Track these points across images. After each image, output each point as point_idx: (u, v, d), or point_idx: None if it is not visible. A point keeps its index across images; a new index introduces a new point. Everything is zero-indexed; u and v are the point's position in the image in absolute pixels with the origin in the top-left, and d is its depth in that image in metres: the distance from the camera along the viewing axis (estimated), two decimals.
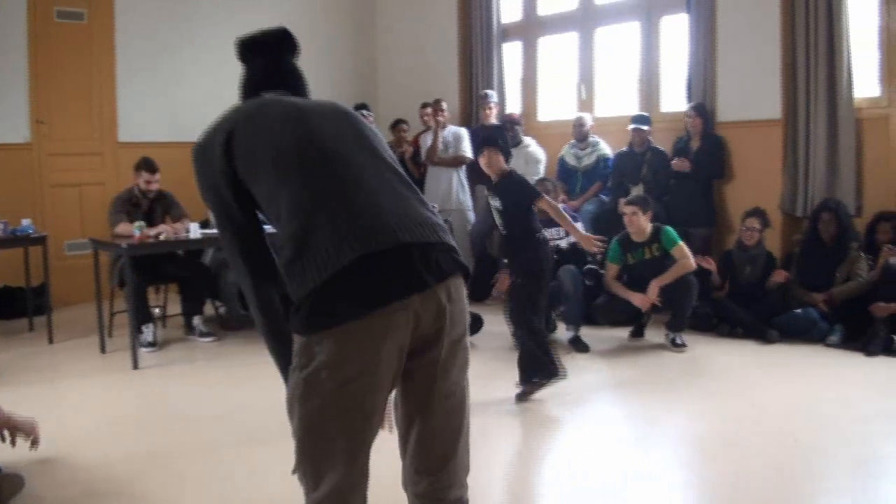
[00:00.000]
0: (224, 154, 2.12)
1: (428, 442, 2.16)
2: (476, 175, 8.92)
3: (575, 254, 6.81)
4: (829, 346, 6.27)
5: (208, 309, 7.48)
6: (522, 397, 5.06)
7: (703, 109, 7.59)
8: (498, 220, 5.45)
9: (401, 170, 2.25)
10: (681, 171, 7.53)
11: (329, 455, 2.02)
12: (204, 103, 9.13)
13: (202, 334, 6.95)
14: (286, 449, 4.43)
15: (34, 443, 3.77)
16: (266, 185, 2.09)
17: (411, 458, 2.18)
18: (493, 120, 9.12)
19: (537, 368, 5.02)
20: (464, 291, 2.16)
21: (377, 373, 1.97)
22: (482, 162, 5.50)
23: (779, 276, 6.70)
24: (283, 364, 2.15)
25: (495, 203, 5.38)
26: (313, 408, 2.00)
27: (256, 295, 2.20)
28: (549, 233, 6.92)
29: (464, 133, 8.91)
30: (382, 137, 2.37)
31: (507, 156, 5.44)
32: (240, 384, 5.70)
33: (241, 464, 4.17)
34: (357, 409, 1.99)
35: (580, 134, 8.33)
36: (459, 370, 2.18)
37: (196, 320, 7.01)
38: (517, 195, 5.28)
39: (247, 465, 4.14)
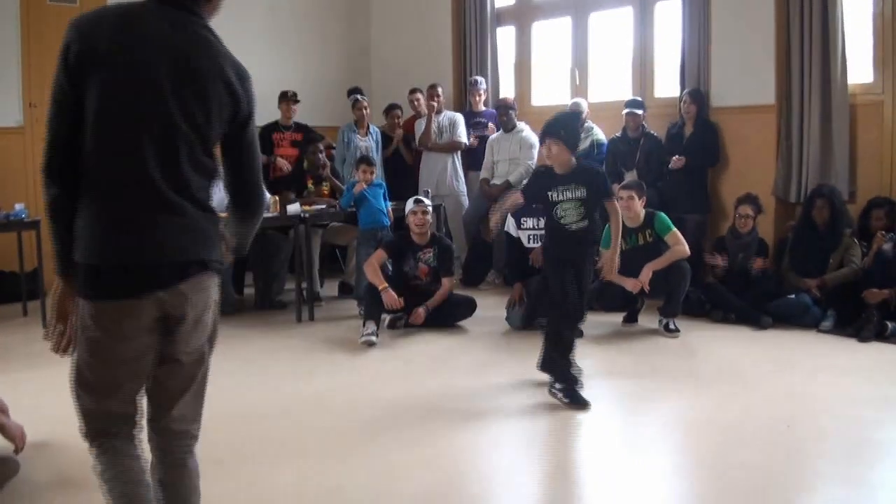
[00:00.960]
0: None
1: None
2: (470, 161, 8.94)
3: None
4: (821, 331, 6.30)
5: None
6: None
7: (697, 95, 7.58)
8: (572, 213, 4.87)
9: None
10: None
11: None
12: None
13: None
14: (284, 430, 4.45)
15: (17, 450, 3.79)
16: None
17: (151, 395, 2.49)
18: (483, 106, 9.12)
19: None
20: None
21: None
22: (544, 153, 5.15)
23: (757, 265, 6.74)
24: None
25: (576, 193, 4.85)
26: None
27: None
28: (529, 222, 6.95)
29: (459, 118, 8.90)
30: None
31: (574, 147, 5.02)
32: (234, 366, 5.71)
33: (237, 443, 4.18)
34: None
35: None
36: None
37: None
38: (599, 185, 4.91)
39: (245, 446, 4.14)
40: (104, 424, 2.39)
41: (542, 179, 5.02)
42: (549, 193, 4.89)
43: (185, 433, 2.52)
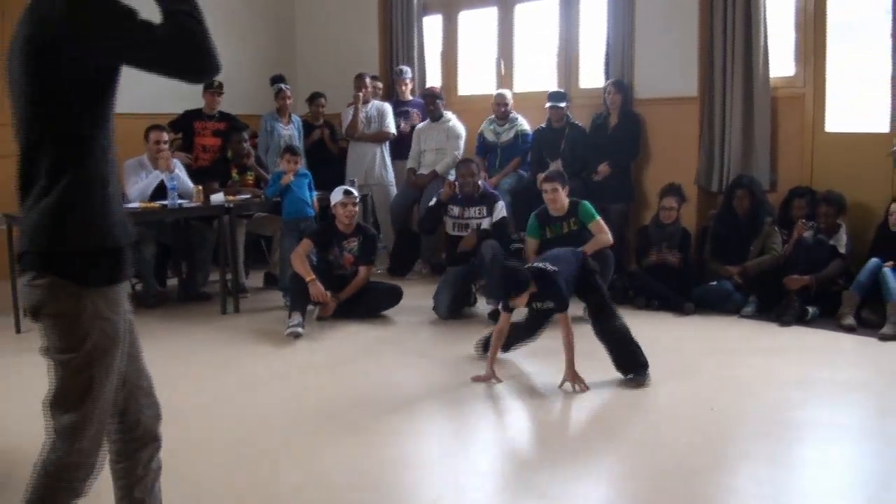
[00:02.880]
0: None
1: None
2: (398, 150, 8.90)
3: (498, 231, 6.84)
4: (743, 317, 6.41)
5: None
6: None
7: (622, 85, 7.65)
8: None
9: None
10: (599, 147, 7.61)
11: None
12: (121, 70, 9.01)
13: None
14: (207, 423, 4.37)
15: None
16: None
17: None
18: (410, 96, 9.08)
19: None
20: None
21: None
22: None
23: (673, 257, 6.84)
24: None
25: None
26: None
27: None
28: (470, 211, 6.95)
29: (387, 108, 8.85)
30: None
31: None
32: (157, 359, 5.58)
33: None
34: None
35: (501, 113, 8.32)
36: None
37: None
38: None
39: (166, 441, 4.05)
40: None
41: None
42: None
43: None
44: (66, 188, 2.14)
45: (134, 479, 2.54)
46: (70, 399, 2.23)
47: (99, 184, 2.20)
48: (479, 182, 7.10)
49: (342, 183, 7.44)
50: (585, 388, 4.69)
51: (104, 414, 2.29)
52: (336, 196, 6.71)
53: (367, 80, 8.81)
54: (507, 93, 8.42)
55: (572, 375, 4.73)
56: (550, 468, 3.75)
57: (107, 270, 2.22)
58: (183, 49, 2.08)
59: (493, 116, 8.40)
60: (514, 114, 8.32)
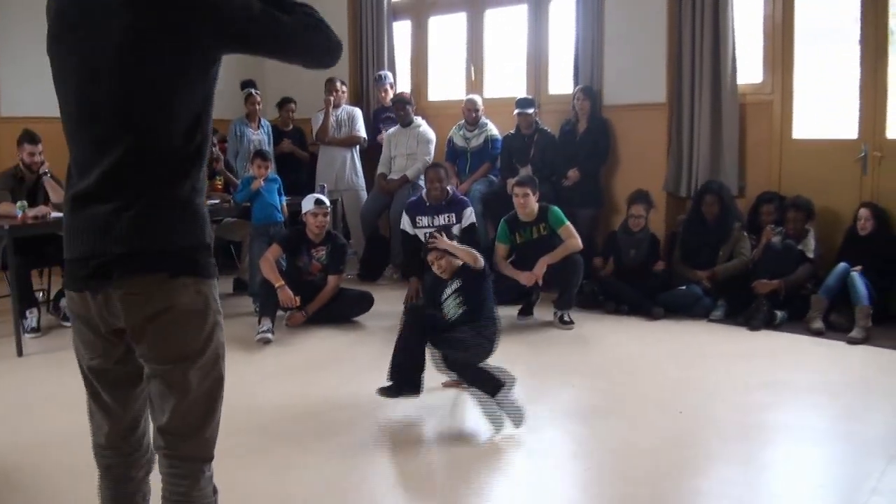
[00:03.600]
0: None
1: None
2: (369, 156, 8.88)
3: (466, 236, 6.82)
4: (712, 321, 6.44)
5: None
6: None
7: (590, 92, 7.67)
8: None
9: None
10: (569, 153, 7.63)
11: None
12: None
13: (66, 318, 6.54)
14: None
15: None
16: None
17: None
18: (390, 102, 9.07)
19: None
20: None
21: None
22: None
23: (658, 266, 6.90)
24: None
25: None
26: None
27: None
28: (439, 219, 6.94)
29: (358, 113, 8.83)
30: None
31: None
32: None
33: None
34: None
35: (472, 118, 8.31)
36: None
37: (63, 302, 6.63)
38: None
39: None
40: None
41: None
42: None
43: None
44: (188, 178, 2.04)
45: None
46: (195, 414, 2.12)
47: (202, 175, 2.12)
48: (448, 188, 7.10)
49: (312, 188, 7.41)
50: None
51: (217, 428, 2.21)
52: (307, 205, 6.66)
53: (338, 84, 8.79)
54: (478, 98, 8.42)
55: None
56: (514, 473, 3.77)
57: (214, 263, 2.14)
58: (312, 34, 2.13)
59: (462, 122, 8.40)
60: (483, 119, 8.32)
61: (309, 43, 2.13)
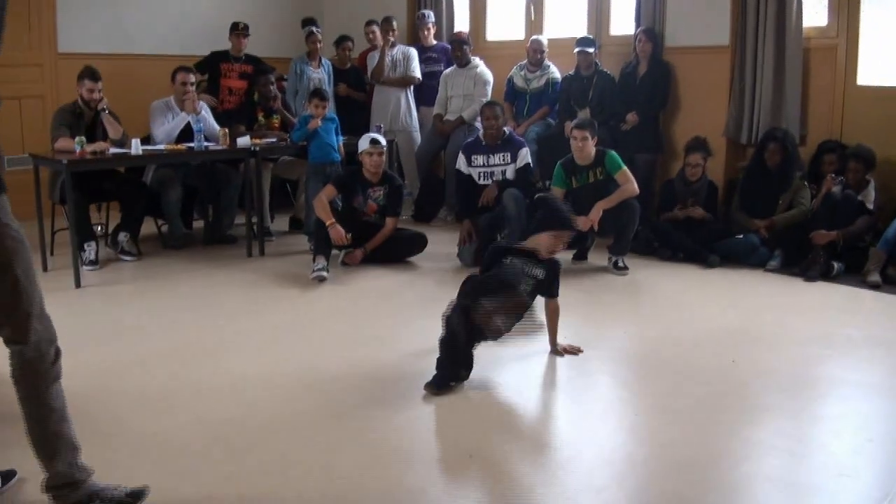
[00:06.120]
0: None
1: None
2: (421, 96, 8.85)
3: (521, 177, 6.81)
4: (768, 271, 6.37)
5: (151, 227, 7.42)
6: None
7: (652, 34, 7.55)
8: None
9: None
10: (628, 96, 7.54)
11: None
12: (149, 12, 8.96)
13: (123, 252, 6.79)
14: (233, 364, 4.43)
15: None
16: None
17: None
18: (433, 41, 9.00)
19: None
20: None
21: None
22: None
23: (699, 214, 6.81)
24: None
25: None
26: None
27: None
28: (494, 158, 6.91)
29: (413, 53, 8.78)
30: None
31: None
32: (183, 301, 5.67)
33: (188, 377, 4.16)
34: None
35: (536, 59, 8.22)
36: None
37: (121, 237, 6.82)
38: None
39: (195, 382, 4.12)
40: None
41: None
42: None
43: None
44: None
45: None
46: None
47: None
48: (505, 128, 7.05)
49: (369, 128, 7.40)
50: (579, 350, 4.61)
51: None
52: (363, 145, 6.68)
53: (394, 24, 8.74)
54: (544, 39, 8.29)
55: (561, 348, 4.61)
56: (572, 420, 3.80)
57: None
58: None
59: (524, 62, 8.31)
60: (547, 61, 8.22)
61: None
